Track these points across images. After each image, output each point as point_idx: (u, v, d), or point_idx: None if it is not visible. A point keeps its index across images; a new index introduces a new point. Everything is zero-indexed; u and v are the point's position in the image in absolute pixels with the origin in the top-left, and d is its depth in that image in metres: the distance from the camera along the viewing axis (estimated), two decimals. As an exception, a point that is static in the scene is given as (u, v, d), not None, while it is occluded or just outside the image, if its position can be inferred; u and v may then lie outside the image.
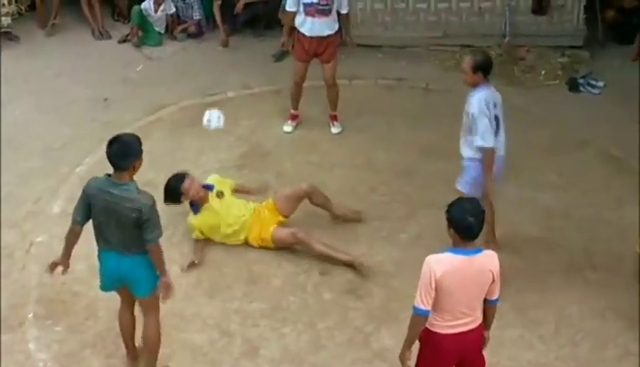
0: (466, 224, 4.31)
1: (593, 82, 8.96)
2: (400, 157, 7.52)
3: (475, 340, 4.60)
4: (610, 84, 8.92)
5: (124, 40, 10.09)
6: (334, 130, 8.08)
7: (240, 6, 10.02)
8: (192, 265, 6.32)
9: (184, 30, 10.20)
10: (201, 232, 6.48)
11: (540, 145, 7.78)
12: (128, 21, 10.27)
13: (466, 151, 5.94)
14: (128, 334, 5.34)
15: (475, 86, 5.84)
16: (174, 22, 10.18)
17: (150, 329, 5.16)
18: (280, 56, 9.57)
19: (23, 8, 10.30)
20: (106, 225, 4.84)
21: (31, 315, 5.87)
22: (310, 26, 7.59)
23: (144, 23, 9.99)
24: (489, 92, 5.84)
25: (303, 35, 7.66)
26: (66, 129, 8.15)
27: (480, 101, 5.76)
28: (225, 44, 9.98)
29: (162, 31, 10.17)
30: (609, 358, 5.57)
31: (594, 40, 9.64)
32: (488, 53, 6.32)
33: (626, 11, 9.69)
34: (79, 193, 7.12)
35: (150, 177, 7.17)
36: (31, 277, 6.20)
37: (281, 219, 6.50)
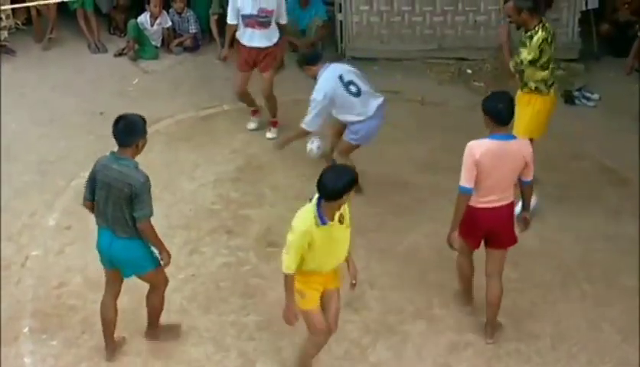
0: (497, 110, 5.22)
1: (588, 95, 8.99)
2: (395, 170, 7.53)
3: (504, 216, 5.42)
4: (605, 97, 8.95)
5: (120, 54, 10.10)
6: (270, 135, 8.14)
7: (236, 20, 10.05)
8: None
9: (180, 44, 10.21)
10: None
11: (536, 157, 7.69)
12: (125, 35, 10.27)
13: (353, 119, 6.79)
14: (109, 324, 5.42)
15: (317, 76, 6.72)
16: (170, 36, 10.20)
17: (154, 299, 5.44)
18: (276, 70, 9.60)
19: (20, 22, 10.31)
20: (104, 200, 4.98)
21: (26, 329, 5.84)
22: (249, 36, 7.73)
23: (140, 36, 10.00)
24: (331, 68, 6.72)
25: (242, 45, 7.80)
26: (62, 142, 8.14)
27: (326, 81, 6.64)
28: (224, 58, 9.98)
29: (158, 45, 10.18)
30: (606, 370, 5.58)
31: (589, 53, 9.68)
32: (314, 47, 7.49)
33: (621, 25, 9.75)
34: (75, 207, 7.13)
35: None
36: (27, 291, 6.18)
37: None
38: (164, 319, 5.72)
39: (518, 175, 5.37)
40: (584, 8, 9.54)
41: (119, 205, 4.92)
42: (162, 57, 10.12)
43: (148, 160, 7.59)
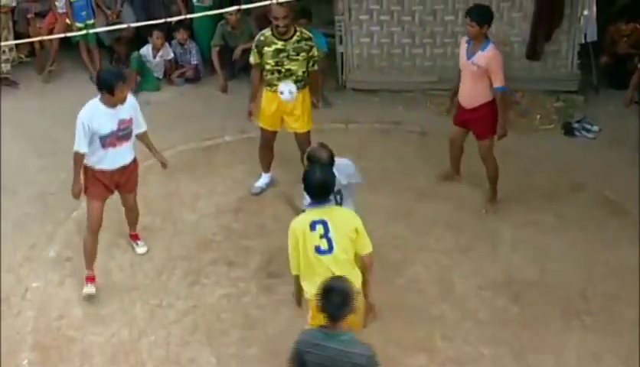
0: (491, 19, 6.98)
1: (588, 127, 9.00)
2: (395, 201, 7.53)
3: None
4: (605, 128, 8.97)
5: (122, 86, 10.14)
6: (140, 250, 7.01)
7: (237, 52, 10.10)
8: None
9: (181, 75, 10.28)
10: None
11: (536, 188, 7.80)
12: (127, 67, 10.33)
13: None
14: None
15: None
16: (172, 67, 10.27)
17: None
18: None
19: (23, 55, 10.38)
20: None
21: (25, 361, 5.83)
22: (112, 158, 6.40)
23: (142, 68, 10.06)
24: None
25: (102, 172, 6.41)
26: (63, 174, 8.11)
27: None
28: (224, 90, 10.04)
29: (160, 76, 10.23)
30: (608, 402, 5.55)
31: (588, 85, 9.72)
32: None
33: (620, 57, 9.79)
34: (75, 238, 7.13)
35: (146, 222, 7.19)
36: (27, 323, 6.18)
37: None
38: (163, 351, 5.69)
39: None
40: (583, 41, 9.59)
41: None
42: (164, 89, 10.16)
43: (149, 190, 7.66)
